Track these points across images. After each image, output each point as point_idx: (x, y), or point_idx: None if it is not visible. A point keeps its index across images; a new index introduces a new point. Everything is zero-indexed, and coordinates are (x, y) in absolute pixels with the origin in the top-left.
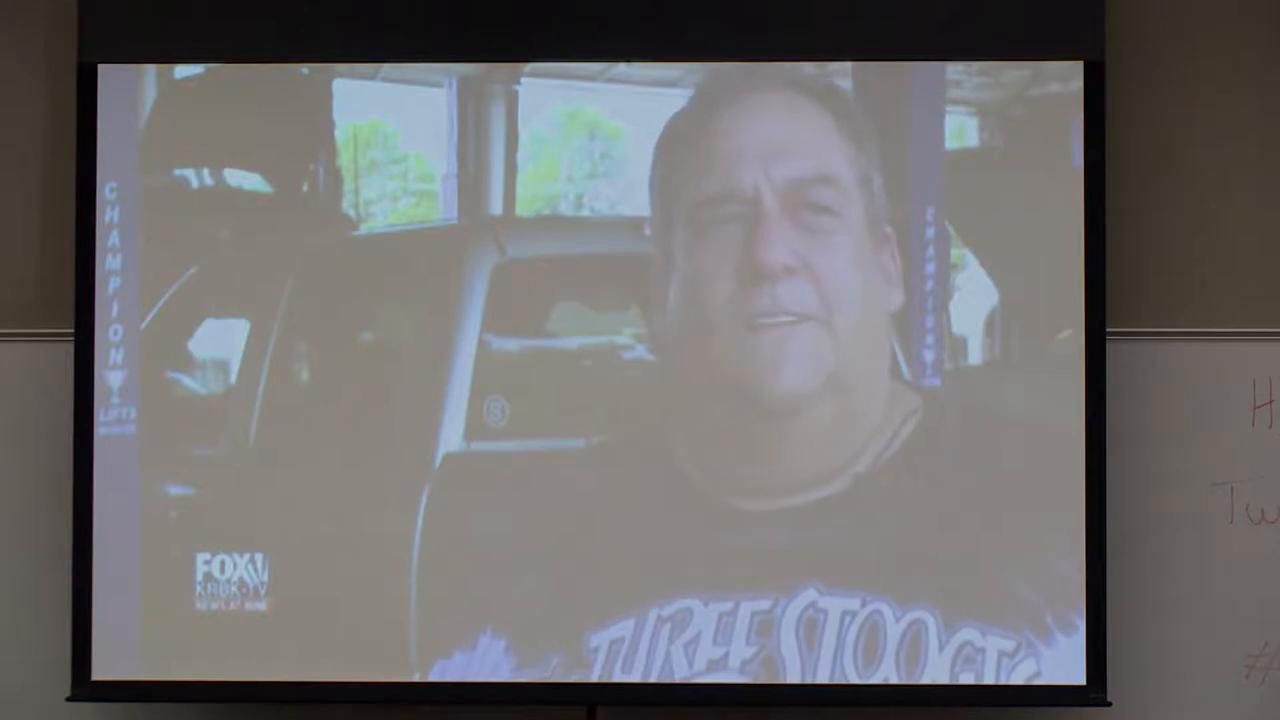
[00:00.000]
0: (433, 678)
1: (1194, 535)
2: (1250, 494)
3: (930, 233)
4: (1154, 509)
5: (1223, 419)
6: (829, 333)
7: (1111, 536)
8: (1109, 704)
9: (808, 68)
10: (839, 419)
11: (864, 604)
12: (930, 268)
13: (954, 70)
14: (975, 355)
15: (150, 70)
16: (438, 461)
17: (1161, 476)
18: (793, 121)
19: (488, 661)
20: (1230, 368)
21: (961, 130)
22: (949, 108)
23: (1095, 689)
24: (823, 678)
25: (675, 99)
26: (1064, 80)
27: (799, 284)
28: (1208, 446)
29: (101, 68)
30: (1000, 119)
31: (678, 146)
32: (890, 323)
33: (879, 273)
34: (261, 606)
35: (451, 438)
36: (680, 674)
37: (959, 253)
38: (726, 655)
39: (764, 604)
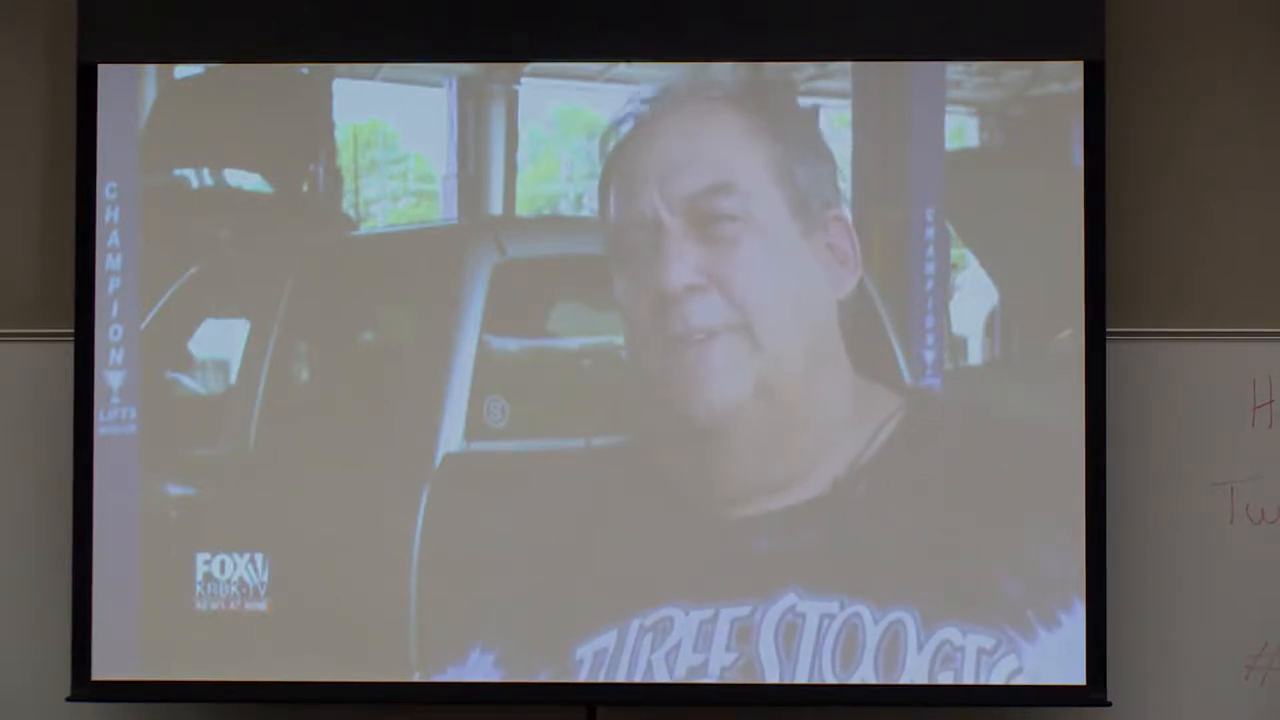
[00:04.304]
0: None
1: (1194, 535)
2: (1250, 494)
3: (930, 233)
4: (1154, 509)
5: (1223, 419)
6: (749, 340)
7: (1111, 537)
8: (1109, 704)
9: (763, 67)
10: (779, 420)
11: (843, 607)
12: (930, 268)
13: (954, 70)
14: (975, 355)
15: (150, 70)
16: (438, 461)
17: (1161, 476)
18: (688, 135)
19: (478, 675)
20: (1230, 368)
21: (961, 130)
22: (949, 108)
23: (1095, 689)
24: (800, 681)
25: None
26: (1064, 80)
27: (707, 299)
28: (1208, 446)
29: (101, 68)
30: (1000, 119)
31: (608, 175)
32: (836, 311)
33: (815, 261)
34: (261, 606)
35: (451, 438)
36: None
37: (959, 253)
38: (706, 662)
39: (744, 610)
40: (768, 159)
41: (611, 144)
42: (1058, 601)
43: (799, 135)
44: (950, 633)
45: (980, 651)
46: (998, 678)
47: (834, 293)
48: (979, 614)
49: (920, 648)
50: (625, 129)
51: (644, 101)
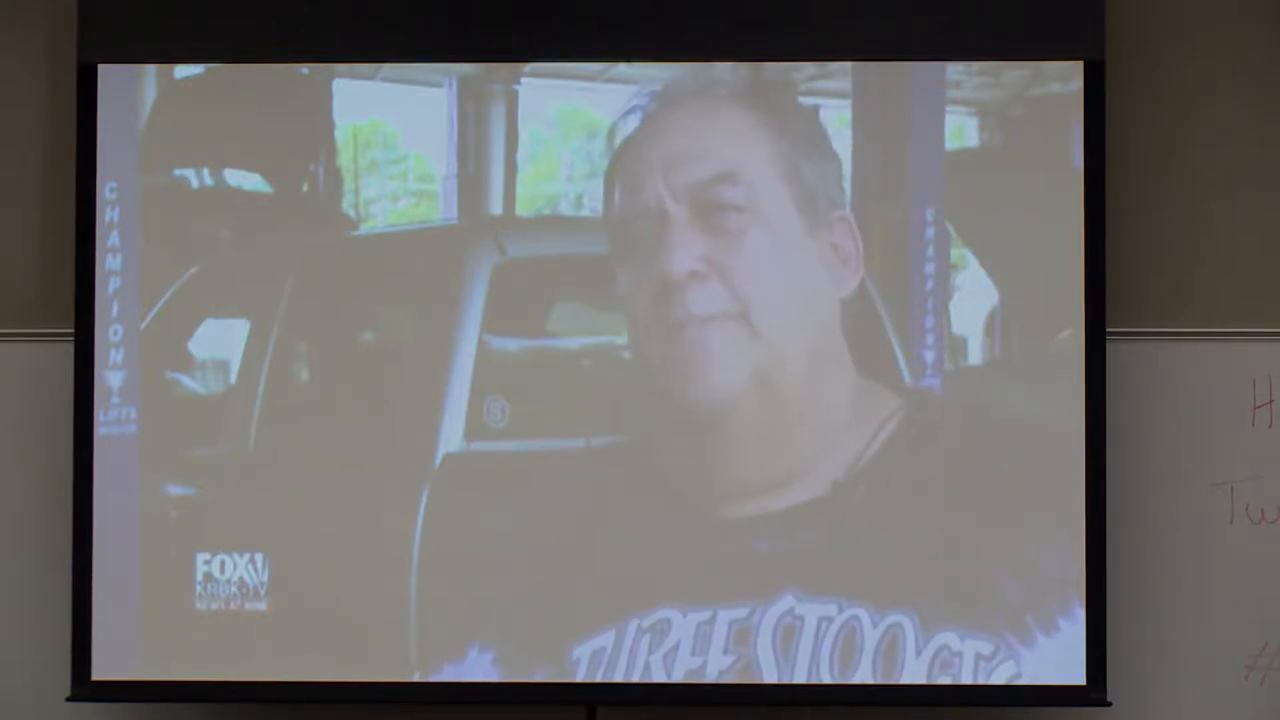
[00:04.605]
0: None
1: (1194, 535)
2: (1250, 494)
3: (930, 233)
4: (1154, 509)
5: (1223, 419)
6: (748, 329)
7: (1111, 537)
8: (1109, 704)
9: (763, 67)
10: (778, 413)
11: (841, 610)
12: (930, 268)
13: (954, 70)
14: (975, 355)
15: (150, 70)
16: (438, 461)
17: (1161, 476)
18: (694, 126)
19: (476, 674)
20: (1230, 368)
21: (961, 130)
22: (949, 108)
23: (1095, 689)
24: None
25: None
26: (1064, 80)
27: (709, 287)
28: (1208, 446)
29: (101, 68)
30: (1000, 119)
31: (614, 166)
32: (839, 310)
33: (819, 259)
34: (261, 606)
35: (451, 438)
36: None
37: (959, 253)
38: (704, 665)
39: (741, 612)
40: (774, 154)
41: (618, 138)
42: (1057, 604)
43: (806, 133)
44: (948, 638)
45: (978, 657)
46: (996, 683)
47: (836, 291)
48: (978, 617)
49: (918, 652)
50: (631, 123)
51: (650, 96)
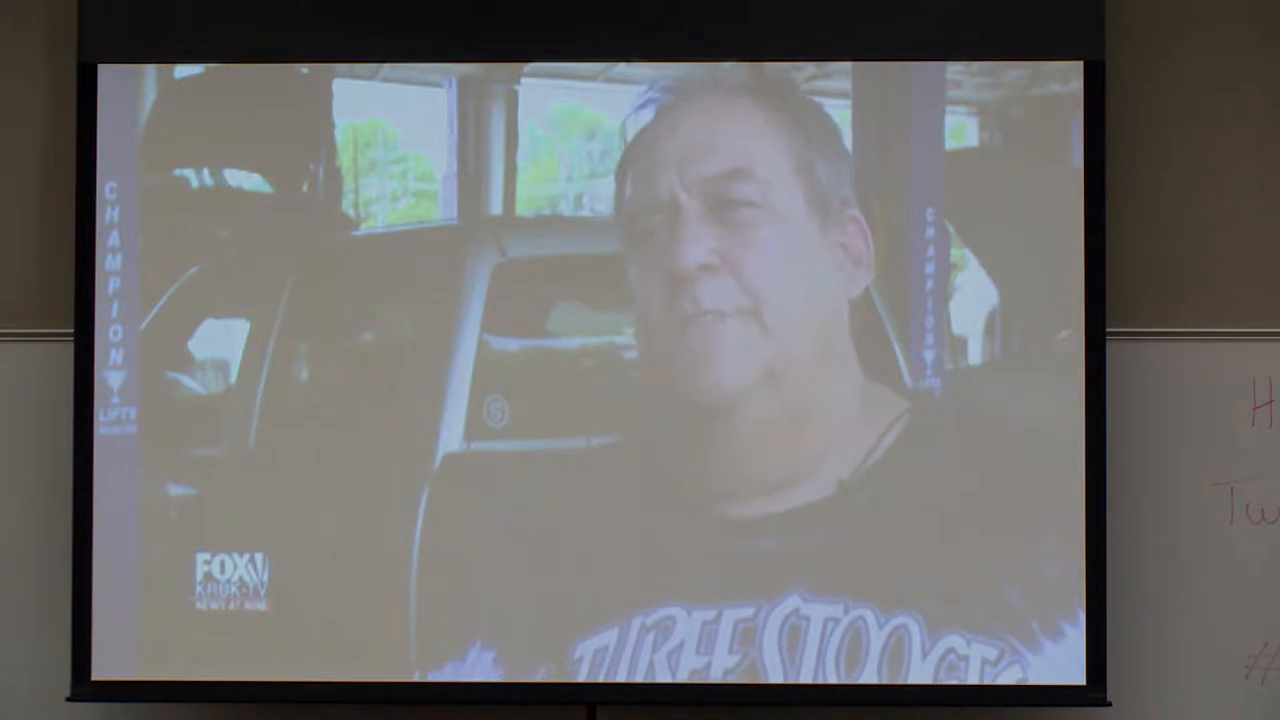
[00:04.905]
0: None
1: (1194, 535)
2: (1250, 494)
3: (930, 233)
4: (1154, 509)
5: (1223, 419)
6: (758, 325)
7: (1111, 537)
8: (1109, 704)
9: (767, 67)
10: (785, 411)
11: (846, 610)
12: (930, 268)
13: (954, 70)
14: (975, 355)
15: (150, 70)
16: (438, 461)
17: (1161, 476)
18: (709, 121)
19: (477, 673)
20: (1230, 368)
21: (961, 130)
22: (949, 108)
23: (1095, 689)
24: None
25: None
26: (1064, 80)
27: (720, 281)
28: (1208, 446)
29: (101, 68)
30: (1000, 119)
31: (626, 160)
32: (848, 310)
33: (830, 257)
34: (261, 606)
35: (451, 438)
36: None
37: (959, 253)
38: (709, 665)
39: (747, 611)
40: (788, 149)
41: (630, 131)
42: (1060, 607)
43: (820, 131)
44: (954, 641)
45: (984, 662)
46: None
47: (846, 291)
48: (982, 620)
49: (925, 655)
50: (645, 116)
51: (664, 90)
